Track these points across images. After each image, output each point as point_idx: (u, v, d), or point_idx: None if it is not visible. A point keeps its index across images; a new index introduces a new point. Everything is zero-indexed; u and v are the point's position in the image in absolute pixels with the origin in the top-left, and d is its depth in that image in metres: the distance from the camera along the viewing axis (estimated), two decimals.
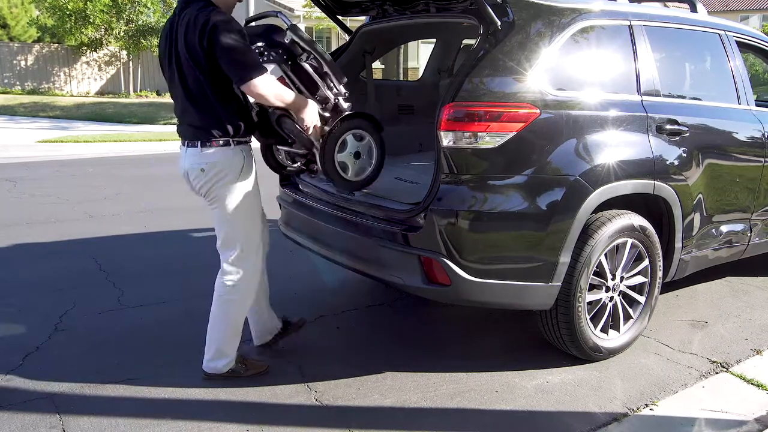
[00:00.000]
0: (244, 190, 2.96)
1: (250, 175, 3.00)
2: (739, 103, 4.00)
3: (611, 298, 3.34)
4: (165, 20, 20.45)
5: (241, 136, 2.92)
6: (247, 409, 2.88)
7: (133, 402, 2.91)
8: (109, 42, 21.01)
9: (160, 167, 9.42)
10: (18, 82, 21.29)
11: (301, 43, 3.02)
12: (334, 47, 23.21)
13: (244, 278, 3.01)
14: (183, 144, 2.98)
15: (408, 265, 3.05)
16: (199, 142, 2.89)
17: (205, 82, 2.81)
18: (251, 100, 2.95)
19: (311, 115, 2.95)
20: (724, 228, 3.89)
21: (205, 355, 3.09)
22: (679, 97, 3.73)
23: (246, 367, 3.13)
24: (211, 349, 3.07)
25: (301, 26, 23.39)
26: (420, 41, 14.35)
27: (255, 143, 3.08)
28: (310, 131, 2.99)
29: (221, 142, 2.87)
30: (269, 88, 2.77)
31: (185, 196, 7.31)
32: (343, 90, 3.14)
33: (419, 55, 20.81)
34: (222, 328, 3.05)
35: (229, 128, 2.87)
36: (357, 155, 3.30)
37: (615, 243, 3.23)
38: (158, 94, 22.08)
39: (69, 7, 18.97)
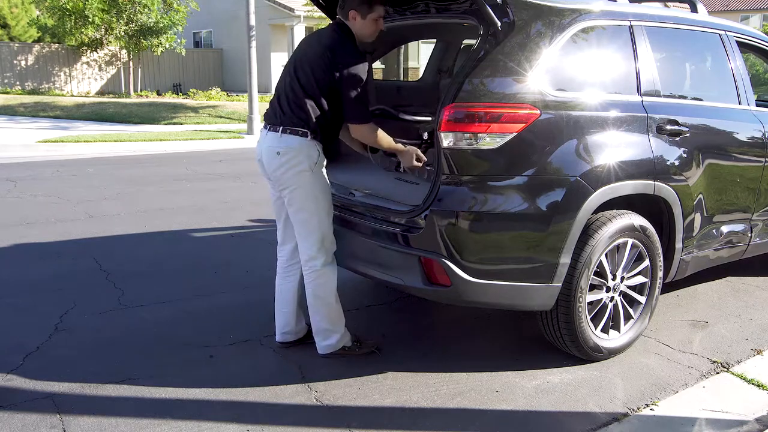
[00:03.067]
0: (318, 181, 3.12)
1: (322, 170, 3.17)
2: (740, 103, 3.99)
3: (612, 299, 3.34)
4: (165, 20, 20.48)
5: (318, 138, 3.10)
6: (247, 409, 2.88)
7: (134, 402, 2.91)
8: (110, 42, 20.99)
9: (161, 167, 9.42)
10: (18, 82, 21.29)
11: None
12: None
13: (325, 260, 3.18)
14: (265, 127, 3.20)
15: (408, 266, 3.05)
16: (281, 128, 3.09)
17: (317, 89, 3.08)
18: None
19: (407, 160, 3.26)
20: (724, 228, 3.89)
21: (316, 340, 3.31)
22: (679, 97, 3.73)
23: (360, 345, 3.34)
24: (320, 333, 3.28)
25: (301, 26, 23.44)
26: (420, 41, 14.34)
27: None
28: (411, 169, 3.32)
29: (300, 132, 3.05)
30: (370, 135, 3.15)
31: (185, 196, 7.34)
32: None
33: (419, 55, 20.80)
34: (322, 312, 3.23)
35: (312, 127, 3.08)
36: None
37: (615, 243, 3.23)
38: (158, 94, 22.07)
39: (69, 7, 18.96)
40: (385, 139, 3.18)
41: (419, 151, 3.27)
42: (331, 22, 3.20)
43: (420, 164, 3.27)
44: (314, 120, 3.05)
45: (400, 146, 3.25)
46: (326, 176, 3.21)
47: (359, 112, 3.08)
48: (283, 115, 3.11)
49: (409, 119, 4.03)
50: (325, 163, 3.19)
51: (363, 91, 3.05)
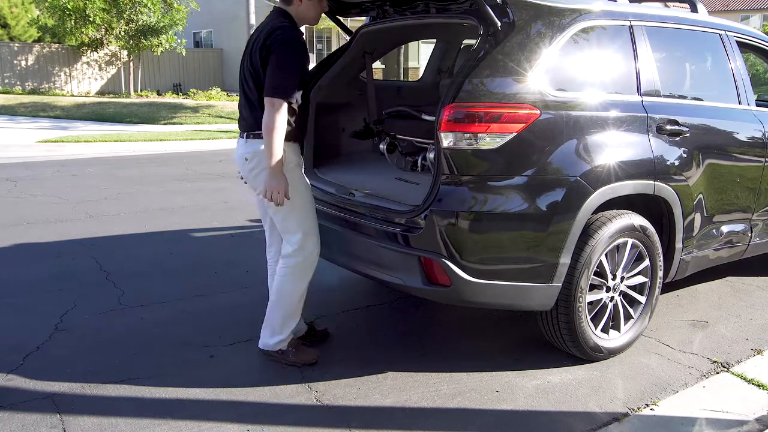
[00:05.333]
0: (290, 181, 3.03)
1: (293, 170, 3.10)
2: (740, 103, 4.00)
3: (612, 298, 3.34)
4: (165, 20, 20.47)
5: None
6: (248, 409, 2.88)
7: (134, 402, 2.91)
8: (110, 42, 21.00)
9: (161, 167, 9.42)
10: (18, 82, 21.29)
11: None
12: (334, 47, 23.25)
13: (301, 261, 3.15)
14: (240, 135, 3.20)
15: (408, 266, 3.05)
16: (245, 134, 3.11)
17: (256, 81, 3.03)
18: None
19: (269, 186, 2.95)
20: (724, 228, 3.89)
21: (261, 332, 3.27)
22: (679, 97, 3.73)
23: (296, 352, 3.24)
24: (266, 328, 3.26)
25: (301, 26, 23.51)
26: (420, 41, 14.35)
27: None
28: (264, 197, 3.02)
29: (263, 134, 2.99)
30: (275, 115, 2.89)
31: (185, 196, 7.34)
32: None
33: (420, 55, 20.82)
34: (280, 310, 3.21)
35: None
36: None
37: (615, 243, 3.23)
38: (159, 93, 22.08)
39: (69, 6, 18.96)
40: (279, 140, 2.92)
41: (285, 191, 2.98)
42: (275, 9, 3.12)
43: (272, 202, 2.99)
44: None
45: (279, 163, 2.94)
46: (302, 174, 3.18)
47: (278, 84, 2.92)
48: (244, 119, 3.11)
49: (431, 120, 4.04)
50: (297, 161, 3.14)
51: (291, 72, 2.94)
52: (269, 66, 2.94)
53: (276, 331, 3.23)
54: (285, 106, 2.91)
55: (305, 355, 3.26)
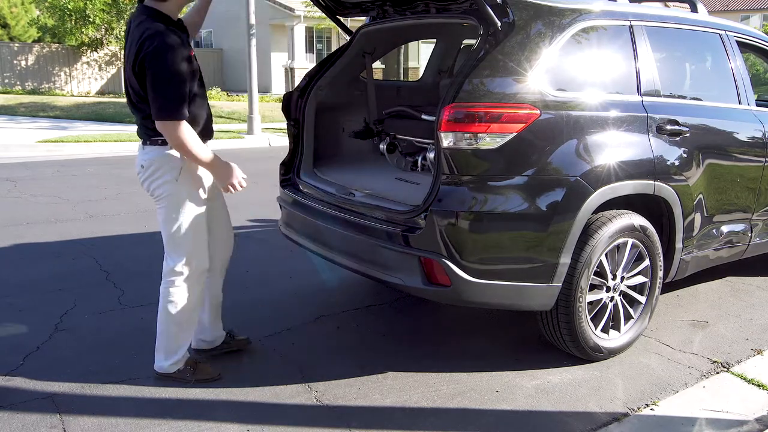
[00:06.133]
0: (184, 193, 2.90)
1: (192, 179, 2.92)
2: (740, 103, 4.00)
3: (612, 298, 3.34)
4: None
5: None
6: (248, 409, 2.88)
7: (134, 402, 2.91)
8: (110, 42, 20.99)
9: None
10: (18, 82, 21.29)
11: None
12: (334, 47, 23.24)
13: (185, 279, 2.98)
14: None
15: (408, 266, 3.05)
16: (142, 141, 2.92)
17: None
18: None
19: (222, 177, 2.92)
20: (724, 228, 3.89)
21: (155, 355, 3.09)
22: (679, 97, 3.73)
23: (194, 371, 3.08)
24: (159, 351, 3.07)
25: (301, 26, 23.41)
26: (420, 41, 14.35)
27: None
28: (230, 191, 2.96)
29: (159, 141, 2.84)
30: (176, 136, 2.73)
31: None
32: None
33: (420, 55, 20.81)
34: (169, 330, 3.03)
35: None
36: None
37: (615, 243, 3.23)
38: None
39: (69, 6, 18.95)
40: (199, 148, 2.79)
41: (236, 175, 2.94)
42: (138, 5, 2.84)
43: (233, 190, 2.95)
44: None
45: (221, 165, 2.90)
46: (198, 188, 2.96)
47: (163, 105, 2.69)
48: (138, 126, 2.91)
49: (431, 120, 4.05)
50: (197, 170, 2.95)
51: (172, 86, 2.69)
52: (148, 85, 2.70)
53: (170, 352, 3.05)
54: (184, 123, 2.72)
55: (204, 373, 3.09)
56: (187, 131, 2.75)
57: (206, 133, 3.01)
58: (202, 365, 3.14)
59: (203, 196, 2.99)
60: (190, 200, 2.93)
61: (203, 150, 2.82)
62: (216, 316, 3.31)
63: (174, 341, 3.05)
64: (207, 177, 3.00)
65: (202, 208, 2.98)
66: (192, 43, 3.04)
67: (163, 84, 2.68)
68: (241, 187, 2.93)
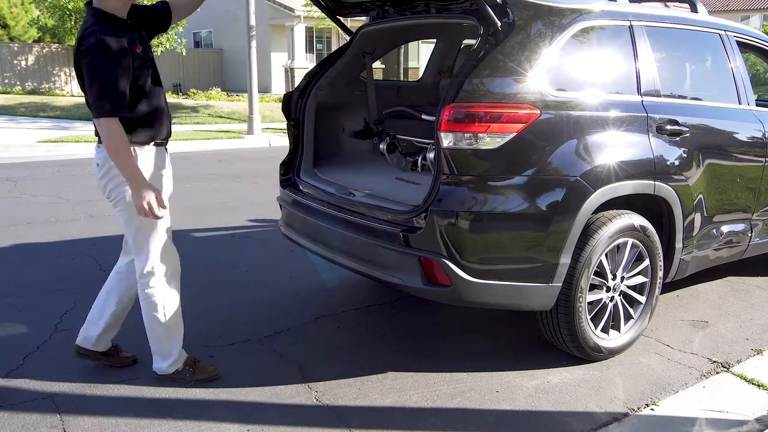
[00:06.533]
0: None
1: (152, 180, 2.86)
2: (740, 103, 3.99)
3: (612, 298, 3.34)
4: None
5: (136, 138, 2.81)
6: (248, 409, 2.88)
7: (134, 402, 2.91)
8: None
9: None
10: (18, 82, 21.29)
11: None
12: (334, 47, 23.25)
13: (158, 279, 2.95)
14: None
15: (408, 266, 3.05)
16: (98, 138, 2.87)
17: None
18: None
19: (138, 199, 2.74)
20: (724, 228, 3.89)
21: (153, 358, 3.08)
22: (679, 97, 3.73)
23: (193, 371, 3.06)
24: (156, 353, 3.06)
25: (301, 26, 23.39)
26: (420, 41, 14.35)
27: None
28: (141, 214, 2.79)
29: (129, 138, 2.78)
30: (108, 136, 2.67)
31: (185, 196, 7.34)
32: None
33: (420, 55, 20.81)
34: (154, 332, 3.02)
35: (131, 129, 2.79)
36: None
37: (615, 243, 3.23)
38: None
39: (69, 6, 18.96)
40: (124, 152, 2.70)
41: (155, 200, 2.77)
42: (86, 4, 2.83)
43: (150, 216, 2.77)
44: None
45: (141, 178, 2.76)
46: (162, 184, 2.93)
47: (95, 102, 2.67)
48: (94, 123, 2.82)
49: (431, 120, 4.05)
50: (159, 165, 2.91)
51: (107, 83, 2.65)
52: (85, 81, 2.70)
53: (165, 354, 3.03)
54: (114, 121, 2.67)
55: (203, 373, 3.07)
56: (115, 130, 2.68)
57: (161, 133, 2.94)
58: (202, 365, 3.12)
59: (163, 190, 2.94)
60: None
61: (128, 157, 2.73)
62: (113, 324, 3.15)
63: (164, 343, 3.03)
64: (161, 175, 2.94)
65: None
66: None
67: (96, 81, 2.67)
68: (153, 215, 2.77)
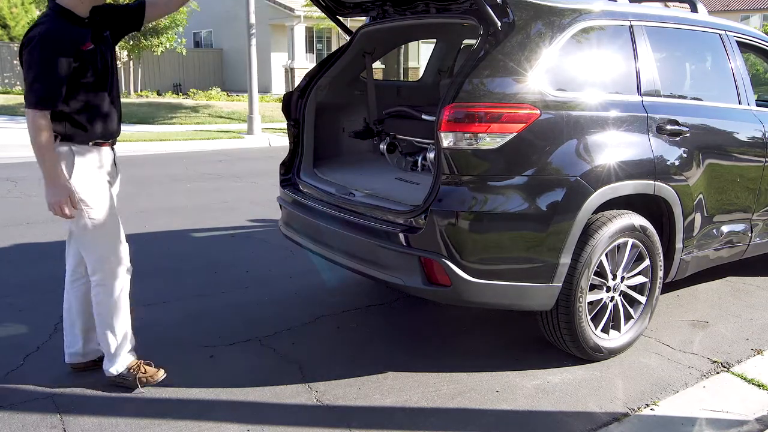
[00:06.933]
0: (84, 191, 2.80)
1: (89, 175, 2.82)
2: (740, 103, 3.99)
3: (612, 298, 3.34)
4: (166, 20, 20.38)
5: (68, 136, 2.77)
6: (248, 409, 2.88)
7: (134, 402, 2.91)
8: None
9: (161, 167, 9.42)
10: (18, 83, 21.27)
11: None
12: (334, 47, 23.25)
13: (104, 278, 2.91)
14: None
15: (408, 266, 3.05)
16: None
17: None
18: None
19: (51, 195, 2.72)
20: (724, 228, 3.89)
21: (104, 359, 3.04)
22: (679, 97, 3.73)
23: (136, 374, 2.98)
24: (106, 355, 3.01)
25: (301, 26, 23.38)
26: (420, 41, 14.35)
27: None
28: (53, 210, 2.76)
29: (56, 137, 2.75)
30: (32, 126, 2.64)
31: (185, 196, 7.34)
32: None
33: (420, 55, 20.81)
34: (101, 332, 2.98)
35: (59, 126, 2.75)
36: None
37: (616, 243, 3.23)
38: (159, 94, 22.07)
39: None
40: (46, 148, 2.66)
41: (71, 198, 2.74)
42: None
43: (60, 214, 2.76)
44: (54, 120, 2.70)
45: (56, 175, 2.71)
46: (105, 183, 2.88)
47: (26, 93, 2.64)
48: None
49: (431, 120, 4.05)
50: (97, 165, 2.84)
51: (40, 76, 2.63)
52: (23, 71, 2.69)
53: (110, 356, 2.98)
54: (41, 114, 2.63)
55: (147, 374, 2.99)
56: (40, 124, 2.64)
57: (101, 134, 2.86)
58: (147, 368, 3.02)
59: (105, 190, 2.88)
60: (90, 198, 2.82)
61: (47, 153, 2.68)
62: (92, 327, 3.10)
63: (109, 345, 2.97)
64: (96, 176, 2.87)
65: (107, 204, 2.88)
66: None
67: (31, 72, 2.64)
68: (63, 214, 2.74)
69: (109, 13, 2.92)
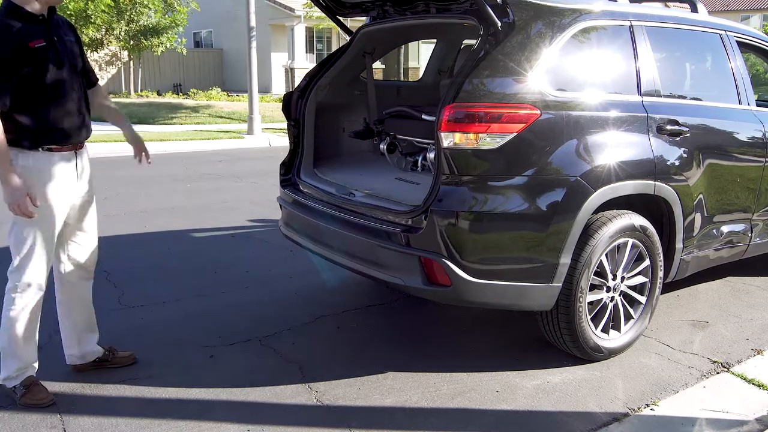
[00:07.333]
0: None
1: (35, 187, 2.71)
2: (740, 103, 3.99)
3: (612, 298, 3.34)
4: (166, 20, 20.38)
5: (14, 140, 2.67)
6: (248, 409, 2.88)
7: (133, 402, 2.91)
8: (110, 42, 20.99)
9: (161, 167, 9.41)
10: None
11: None
12: (334, 47, 23.25)
13: (15, 286, 2.79)
14: None
15: (408, 266, 3.05)
16: None
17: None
18: None
19: (9, 196, 2.63)
20: (725, 228, 3.89)
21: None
22: (679, 97, 3.73)
23: (25, 392, 2.83)
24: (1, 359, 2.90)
25: (302, 26, 23.37)
26: (420, 41, 14.35)
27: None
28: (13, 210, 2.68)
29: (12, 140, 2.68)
30: None
31: (185, 196, 7.34)
32: None
33: (420, 55, 20.82)
34: (2, 335, 2.85)
35: (7, 127, 2.66)
36: None
37: (616, 243, 3.23)
38: (159, 94, 22.08)
39: (70, 7, 18.95)
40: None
41: (27, 199, 2.66)
42: None
43: (19, 214, 2.67)
44: (3, 120, 2.62)
45: (12, 178, 2.63)
46: (52, 193, 2.76)
47: None
48: None
49: (431, 120, 4.05)
50: (37, 175, 2.72)
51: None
52: None
53: (4, 365, 2.85)
54: None
55: (35, 397, 2.82)
56: None
57: (59, 137, 2.77)
58: (38, 388, 2.86)
59: (45, 202, 2.75)
60: (41, 209, 2.72)
61: (0, 154, 2.59)
62: (86, 328, 3.11)
63: (6, 353, 2.86)
64: (46, 184, 2.75)
65: (45, 218, 2.75)
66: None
67: None
68: (24, 214, 2.66)
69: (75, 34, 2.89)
